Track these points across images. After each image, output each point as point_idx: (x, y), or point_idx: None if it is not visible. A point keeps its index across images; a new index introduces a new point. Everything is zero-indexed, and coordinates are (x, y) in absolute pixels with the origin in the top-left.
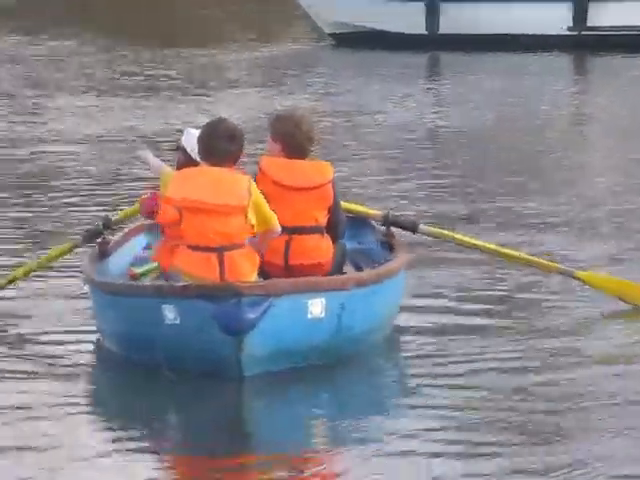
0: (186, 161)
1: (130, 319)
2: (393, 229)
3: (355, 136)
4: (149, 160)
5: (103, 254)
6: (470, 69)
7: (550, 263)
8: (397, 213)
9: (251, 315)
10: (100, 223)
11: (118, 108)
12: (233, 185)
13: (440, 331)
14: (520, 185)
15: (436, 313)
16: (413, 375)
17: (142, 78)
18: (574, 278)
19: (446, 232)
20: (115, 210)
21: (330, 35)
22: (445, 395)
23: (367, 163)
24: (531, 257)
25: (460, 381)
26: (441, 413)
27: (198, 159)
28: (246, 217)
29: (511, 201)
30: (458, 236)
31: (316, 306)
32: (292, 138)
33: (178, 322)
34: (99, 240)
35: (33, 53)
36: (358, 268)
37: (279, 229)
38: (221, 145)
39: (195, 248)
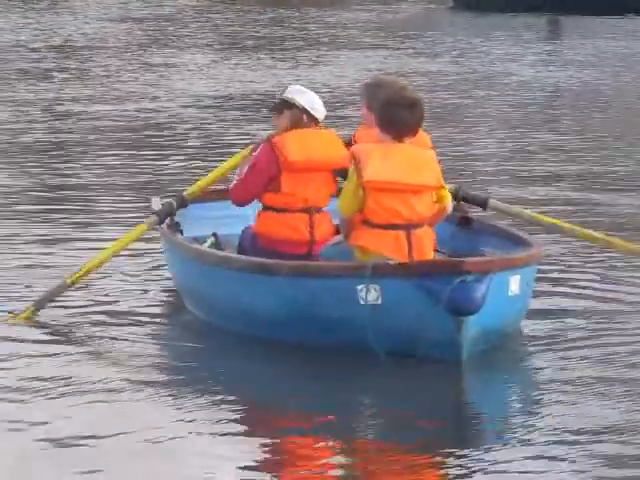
0: (308, 120)
1: (306, 301)
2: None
3: (474, 98)
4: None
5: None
6: (590, 31)
7: (629, 244)
8: (468, 190)
9: (478, 294)
10: (174, 202)
11: (235, 67)
12: (430, 164)
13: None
14: None
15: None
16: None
17: (260, 37)
18: None
19: (516, 209)
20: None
21: None
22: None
23: (487, 124)
24: (609, 238)
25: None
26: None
27: (317, 116)
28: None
29: (633, 165)
30: (528, 212)
31: (515, 283)
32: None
33: (379, 302)
34: (168, 222)
35: (151, 12)
36: None
37: (450, 209)
38: (402, 115)
39: (382, 226)
